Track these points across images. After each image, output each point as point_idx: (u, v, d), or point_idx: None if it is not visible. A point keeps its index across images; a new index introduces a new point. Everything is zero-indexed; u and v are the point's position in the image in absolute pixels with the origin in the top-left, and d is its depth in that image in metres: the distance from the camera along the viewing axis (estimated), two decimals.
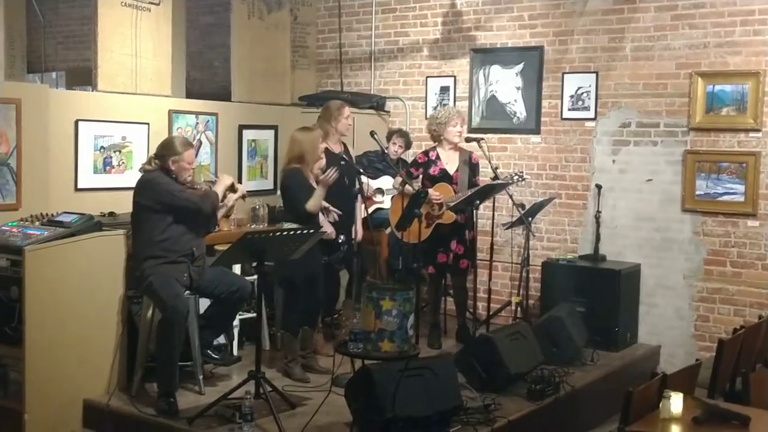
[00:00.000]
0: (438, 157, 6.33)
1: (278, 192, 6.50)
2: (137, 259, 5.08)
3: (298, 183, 5.51)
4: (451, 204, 6.16)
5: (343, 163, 5.70)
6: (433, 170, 6.30)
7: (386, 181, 7.13)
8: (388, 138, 7.19)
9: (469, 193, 6.11)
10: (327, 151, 5.88)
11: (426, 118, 7.80)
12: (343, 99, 7.70)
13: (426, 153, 6.41)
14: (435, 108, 7.72)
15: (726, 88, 6.44)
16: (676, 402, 3.65)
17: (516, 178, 6.33)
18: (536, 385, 5.23)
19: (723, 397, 4.51)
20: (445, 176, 6.29)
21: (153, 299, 5.11)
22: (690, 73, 6.56)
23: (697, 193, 6.57)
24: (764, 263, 6.37)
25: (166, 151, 5.08)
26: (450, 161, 6.33)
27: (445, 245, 6.26)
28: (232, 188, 5.34)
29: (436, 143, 6.41)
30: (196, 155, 6.56)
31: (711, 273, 6.56)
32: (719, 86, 6.46)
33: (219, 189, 5.23)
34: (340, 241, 5.73)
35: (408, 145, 7.36)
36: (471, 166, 6.37)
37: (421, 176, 6.36)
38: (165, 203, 4.96)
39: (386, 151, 6.89)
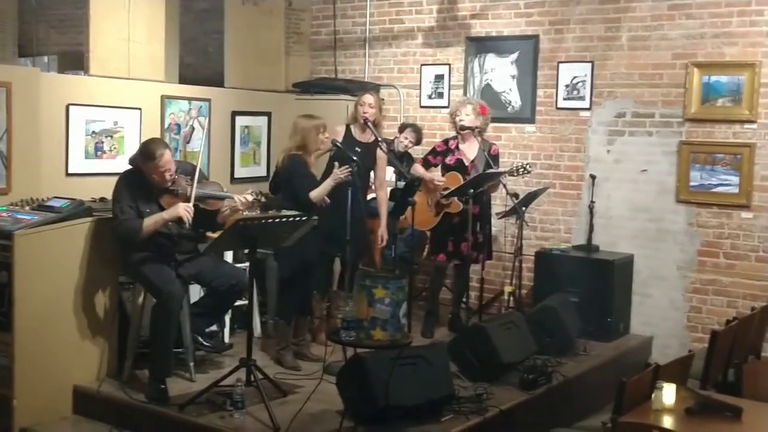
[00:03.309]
0: (457, 147, 6.34)
1: (270, 177, 6.44)
2: (125, 247, 5.07)
3: (302, 171, 5.49)
4: (446, 192, 6.15)
5: (337, 148, 5.64)
6: (450, 159, 6.32)
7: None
8: (401, 130, 7.10)
9: (462, 183, 6.09)
10: (348, 134, 5.85)
11: (420, 107, 7.84)
12: (336, 86, 7.70)
13: (446, 141, 6.43)
14: (430, 96, 7.77)
15: (722, 79, 6.41)
16: (668, 393, 3.65)
17: (521, 170, 6.30)
18: (529, 374, 5.22)
19: (715, 389, 4.50)
20: (459, 166, 6.29)
21: (146, 286, 5.08)
22: (686, 64, 6.53)
23: (692, 184, 6.55)
24: (758, 255, 6.36)
25: (140, 157, 4.96)
26: (468, 152, 6.33)
27: (456, 234, 6.25)
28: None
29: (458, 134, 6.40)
30: (189, 141, 6.56)
31: (705, 264, 6.55)
32: (715, 77, 6.43)
33: (159, 216, 4.88)
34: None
35: (419, 142, 7.26)
36: (490, 157, 6.30)
37: (438, 164, 6.38)
38: None
39: (382, 141, 6.77)
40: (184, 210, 4.83)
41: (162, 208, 4.95)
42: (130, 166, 5.09)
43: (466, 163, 6.31)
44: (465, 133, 6.29)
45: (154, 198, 4.97)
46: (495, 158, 6.41)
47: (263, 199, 5.23)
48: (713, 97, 6.46)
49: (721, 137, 6.45)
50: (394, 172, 6.32)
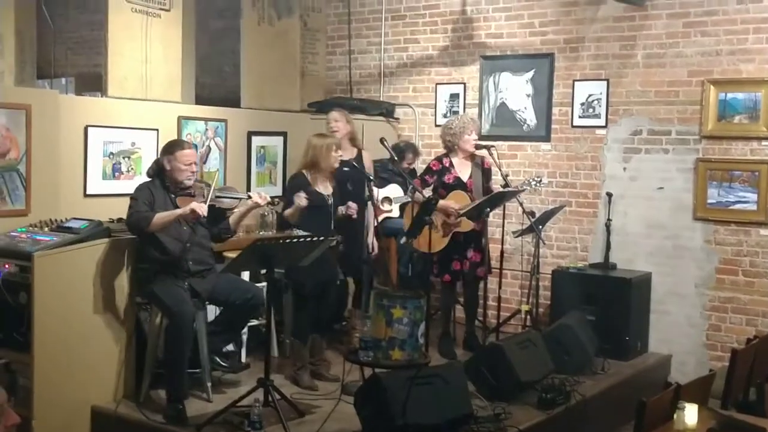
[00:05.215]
0: (452, 165, 6.31)
1: None
2: (138, 266, 5.13)
3: (293, 189, 5.56)
4: (461, 212, 6.13)
5: (346, 169, 5.72)
6: (448, 178, 6.27)
7: (393, 190, 7.09)
8: (402, 156, 7.06)
9: (479, 201, 6.08)
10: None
11: (436, 126, 7.80)
12: (351, 106, 7.72)
13: (440, 160, 6.37)
14: (445, 115, 7.72)
15: (738, 95, 6.39)
16: (690, 413, 3.61)
17: (534, 183, 6.29)
18: (547, 393, 5.19)
19: (736, 408, 4.46)
20: (459, 184, 6.27)
21: (158, 306, 5.10)
22: (702, 81, 6.52)
23: (709, 201, 6.52)
24: None
25: (162, 150, 5.18)
26: (463, 169, 6.32)
27: (461, 253, 6.23)
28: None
29: (449, 152, 6.37)
30: (205, 161, 6.59)
31: (723, 282, 6.51)
32: (731, 94, 6.42)
33: (171, 212, 4.96)
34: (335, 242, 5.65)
35: (417, 154, 7.33)
36: (483, 171, 6.35)
37: (435, 184, 6.31)
38: None
39: (395, 159, 6.78)
40: (197, 205, 4.89)
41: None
42: (147, 179, 5.20)
43: (465, 181, 6.29)
44: (465, 152, 6.29)
45: (171, 201, 5.07)
46: (488, 171, 6.43)
47: (277, 201, 5.34)
48: (730, 114, 6.44)
49: (738, 154, 6.42)
50: (410, 191, 6.31)
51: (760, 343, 4.82)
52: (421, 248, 6.07)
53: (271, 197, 5.31)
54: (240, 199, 5.26)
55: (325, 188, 5.66)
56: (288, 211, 5.55)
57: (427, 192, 6.21)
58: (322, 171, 5.62)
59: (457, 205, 6.16)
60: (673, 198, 6.70)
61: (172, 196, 5.10)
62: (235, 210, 5.27)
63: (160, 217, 4.92)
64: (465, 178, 6.29)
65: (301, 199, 5.42)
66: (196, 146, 6.47)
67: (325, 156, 5.59)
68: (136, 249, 5.15)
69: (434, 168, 6.34)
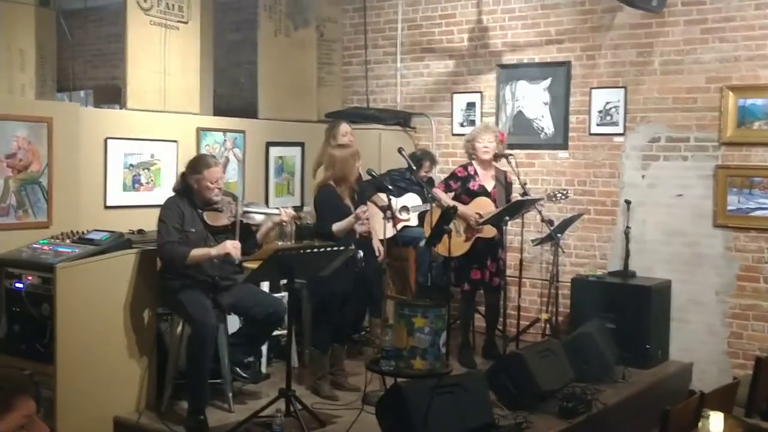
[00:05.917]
0: (476, 173, 6.33)
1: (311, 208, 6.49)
2: (163, 276, 5.14)
3: (331, 202, 5.54)
4: (481, 221, 6.13)
5: (372, 177, 5.71)
6: (473, 185, 6.29)
7: (411, 199, 7.10)
8: (419, 164, 7.06)
9: (499, 209, 6.09)
10: None
11: (453, 135, 7.85)
12: (368, 115, 7.75)
13: (465, 167, 6.39)
14: (462, 124, 7.77)
15: (757, 101, 6.36)
16: (716, 422, 3.58)
17: (560, 195, 6.29)
18: (568, 402, 5.17)
19: (761, 417, 4.43)
20: (484, 192, 6.29)
21: (182, 316, 5.12)
22: (720, 87, 6.49)
23: (729, 208, 6.49)
24: None
25: (188, 169, 5.16)
26: (486, 178, 6.34)
27: (480, 262, 6.24)
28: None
29: (473, 161, 6.39)
30: (224, 172, 6.61)
31: (744, 289, 6.47)
32: (751, 100, 6.39)
33: (207, 252, 4.98)
34: (358, 257, 5.65)
35: (434, 163, 7.34)
36: (506, 185, 6.38)
37: (458, 190, 6.32)
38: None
39: (413, 168, 6.79)
40: (232, 247, 4.92)
41: (206, 225, 5.06)
42: (173, 193, 5.21)
43: (489, 189, 6.31)
44: (484, 160, 6.30)
45: (199, 217, 5.08)
46: (510, 186, 6.45)
47: (302, 215, 5.33)
48: (749, 120, 6.41)
49: (758, 161, 6.39)
50: (429, 199, 6.32)
51: None
52: (443, 252, 6.08)
53: (295, 211, 5.32)
54: (268, 214, 5.27)
55: (347, 202, 5.67)
56: (338, 226, 5.45)
57: (449, 195, 6.25)
58: (347, 183, 5.62)
59: (483, 211, 6.17)
60: (693, 205, 6.67)
61: (200, 211, 5.10)
62: (261, 227, 5.28)
63: (195, 256, 4.95)
64: (489, 188, 6.31)
65: (362, 226, 5.46)
66: (215, 156, 6.51)
67: (352, 167, 5.60)
68: (161, 261, 5.17)
69: (459, 174, 6.37)
